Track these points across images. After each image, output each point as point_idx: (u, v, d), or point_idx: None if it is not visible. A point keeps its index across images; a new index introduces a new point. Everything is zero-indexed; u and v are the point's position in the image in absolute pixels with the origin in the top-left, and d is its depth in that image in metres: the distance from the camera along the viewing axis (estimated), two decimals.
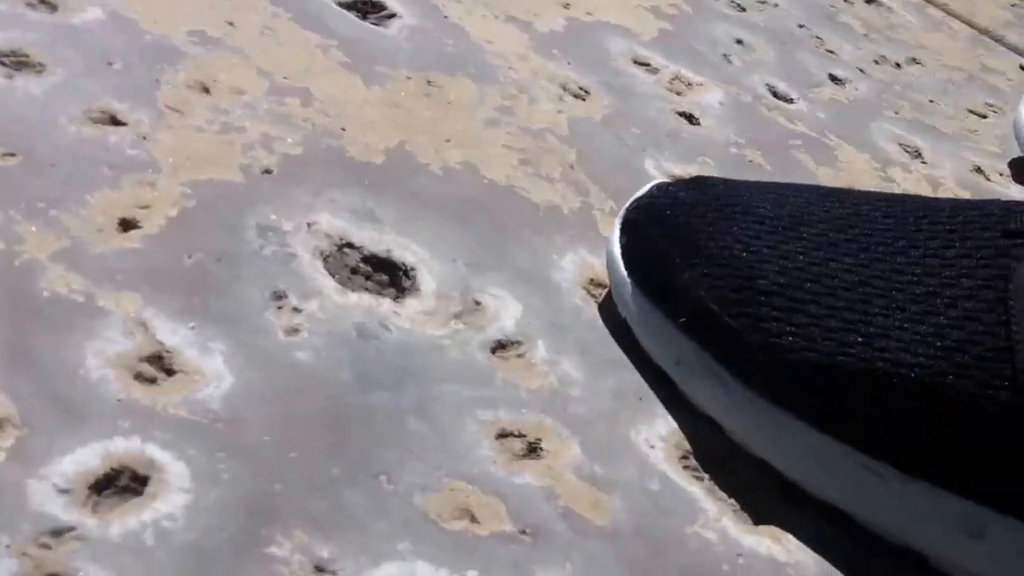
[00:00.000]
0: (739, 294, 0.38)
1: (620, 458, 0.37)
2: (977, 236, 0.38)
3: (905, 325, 0.36)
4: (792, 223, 0.40)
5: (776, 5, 0.75)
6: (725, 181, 0.44)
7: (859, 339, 0.36)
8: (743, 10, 0.72)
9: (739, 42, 0.68)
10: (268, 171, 0.43)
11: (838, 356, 0.36)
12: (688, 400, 0.40)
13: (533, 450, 0.36)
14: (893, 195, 0.42)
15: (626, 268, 0.41)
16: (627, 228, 0.42)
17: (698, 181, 0.44)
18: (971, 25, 0.83)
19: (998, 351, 0.35)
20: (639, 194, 0.44)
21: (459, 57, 0.55)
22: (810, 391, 0.37)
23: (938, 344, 0.36)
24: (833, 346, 0.36)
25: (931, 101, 0.71)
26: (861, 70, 0.71)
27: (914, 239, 0.39)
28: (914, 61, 0.76)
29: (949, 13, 0.84)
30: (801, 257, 0.38)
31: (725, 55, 0.66)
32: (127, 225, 0.38)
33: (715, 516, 0.36)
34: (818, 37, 0.73)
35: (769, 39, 0.70)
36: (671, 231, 0.41)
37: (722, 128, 0.58)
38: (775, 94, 0.64)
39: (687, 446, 0.39)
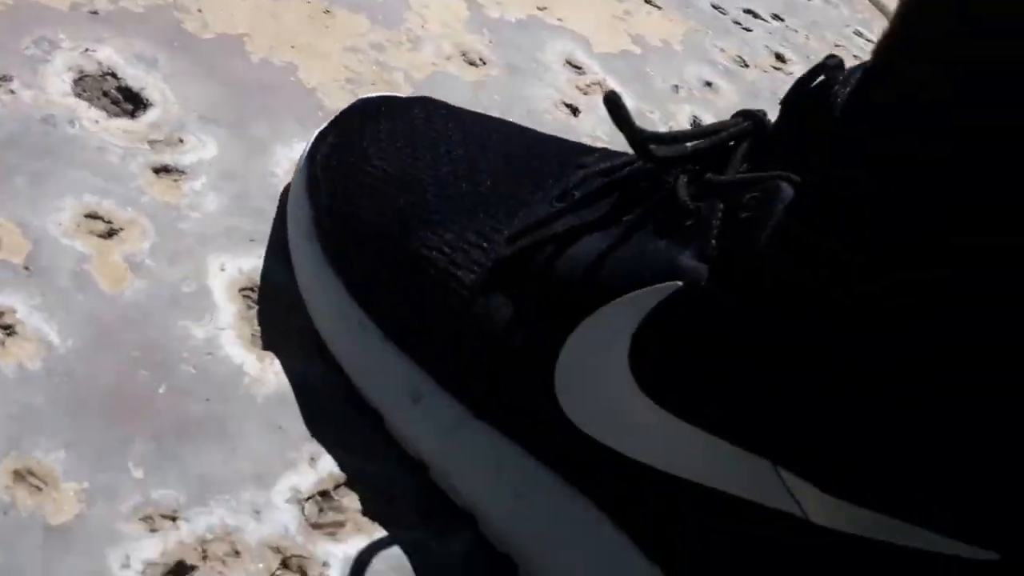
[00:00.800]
0: (335, 163, 0.42)
1: (179, 264, 0.41)
2: (555, 169, 0.40)
3: (446, 222, 0.39)
4: (434, 137, 0.43)
5: (791, 73, 0.75)
6: (446, 105, 0.47)
7: (398, 224, 0.39)
8: (745, 66, 0.73)
9: (708, 84, 0.69)
10: (94, 12, 0.50)
11: (386, 231, 0.39)
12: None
13: (110, 234, 0.41)
14: (551, 137, 0.45)
15: (309, 149, 0.46)
16: (334, 118, 0.47)
17: (420, 98, 0.47)
18: None
19: (493, 242, 0.37)
20: (368, 95, 0.48)
21: (378, 5, 0.60)
22: (350, 257, 0.40)
23: (457, 232, 0.38)
24: (378, 224, 0.40)
25: None
26: None
27: (516, 169, 0.41)
28: None
29: None
30: (409, 158, 0.42)
31: (676, 86, 0.67)
32: None
33: (223, 326, 0.40)
34: None
35: (745, 90, 0.70)
36: (344, 123, 0.45)
37: (596, 124, 0.60)
38: (694, 122, 0.65)
39: (258, 283, 0.42)
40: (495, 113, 0.56)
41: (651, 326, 0.32)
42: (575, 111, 0.60)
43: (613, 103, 0.34)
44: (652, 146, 0.34)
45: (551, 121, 0.58)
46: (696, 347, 0.32)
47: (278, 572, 0.35)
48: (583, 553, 0.35)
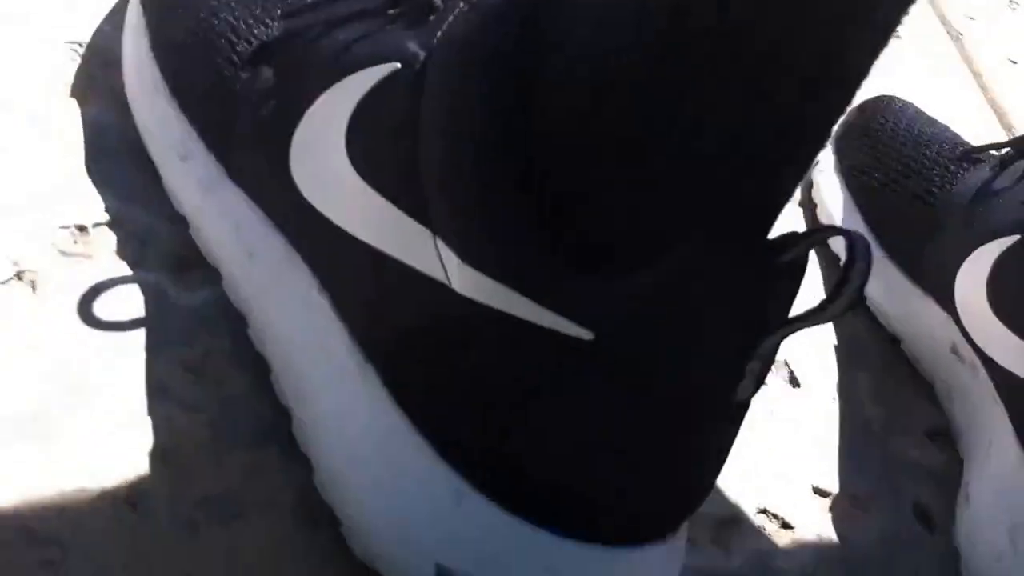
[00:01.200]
0: None
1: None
2: None
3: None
4: None
5: None
6: None
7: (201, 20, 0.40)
8: None
9: None
10: None
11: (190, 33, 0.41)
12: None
13: None
14: None
15: None
16: None
17: None
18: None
19: (276, 20, 0.38)
20: None
21: None
22: (157, 17, 0.41)
23: (246, 5, 0.39)
24: (191, 26, 0.41)
25: None
26: None
27: None
28: None
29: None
30: None
31: None
32: None
33: (33, 72, 0.42)
34: None
35: None
36: None
37: None
38: None
39: (87, 41, 0.44)
40: None
41: (367, 103, 0.34)
42: None
43: None
44: None
45: None
46: (398, 126, 0.33)
47: (11, 281, 0.36)
48: (294, 313, 0.37)
